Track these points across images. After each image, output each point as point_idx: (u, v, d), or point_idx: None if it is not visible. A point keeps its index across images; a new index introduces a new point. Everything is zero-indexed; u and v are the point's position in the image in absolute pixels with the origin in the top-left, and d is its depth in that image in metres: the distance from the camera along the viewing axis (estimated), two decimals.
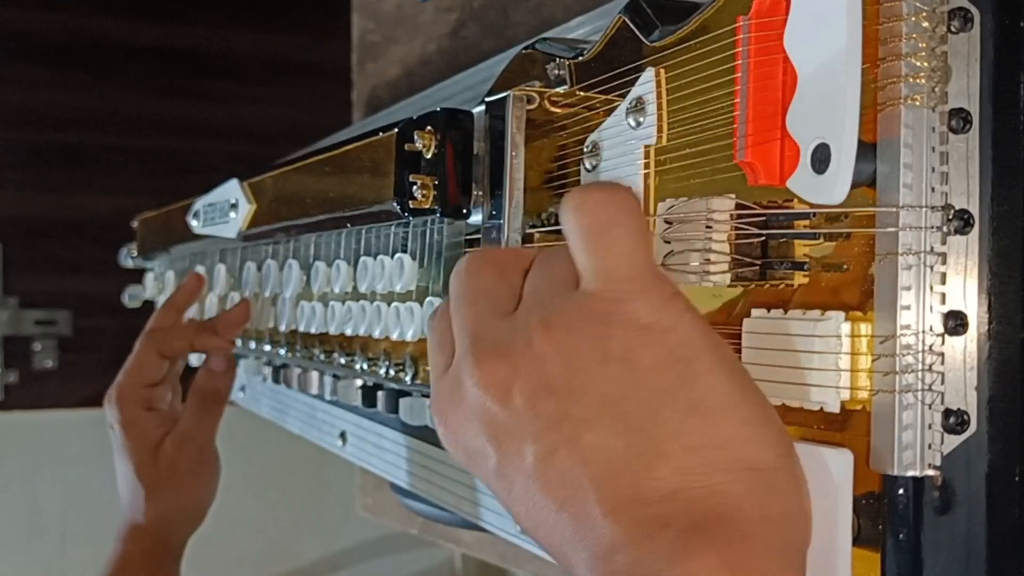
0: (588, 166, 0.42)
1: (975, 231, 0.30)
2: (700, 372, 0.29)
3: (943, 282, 0.30)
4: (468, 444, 0.32)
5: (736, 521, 0.27)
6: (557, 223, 0.44)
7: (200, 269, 0.82)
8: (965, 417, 0.30)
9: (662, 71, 0.38)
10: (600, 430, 0.29)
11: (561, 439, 0.29)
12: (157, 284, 0.93)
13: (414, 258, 0.52)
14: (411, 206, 0.47)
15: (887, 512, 0.31)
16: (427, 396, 0.55)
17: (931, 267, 0.30)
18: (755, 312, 0.34)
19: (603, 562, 0.28)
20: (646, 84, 0.39)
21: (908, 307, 0.30)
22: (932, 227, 0.30)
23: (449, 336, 0.34)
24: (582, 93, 0.43)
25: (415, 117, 0.48)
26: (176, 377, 0.76)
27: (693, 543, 0.27)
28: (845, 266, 0.32)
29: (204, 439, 0.73)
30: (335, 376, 0.66)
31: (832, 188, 0.29)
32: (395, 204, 0.48)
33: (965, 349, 0.30)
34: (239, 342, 0.78)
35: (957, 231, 0.30)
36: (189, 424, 0.72)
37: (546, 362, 0.30)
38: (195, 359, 0.82)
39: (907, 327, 0.30)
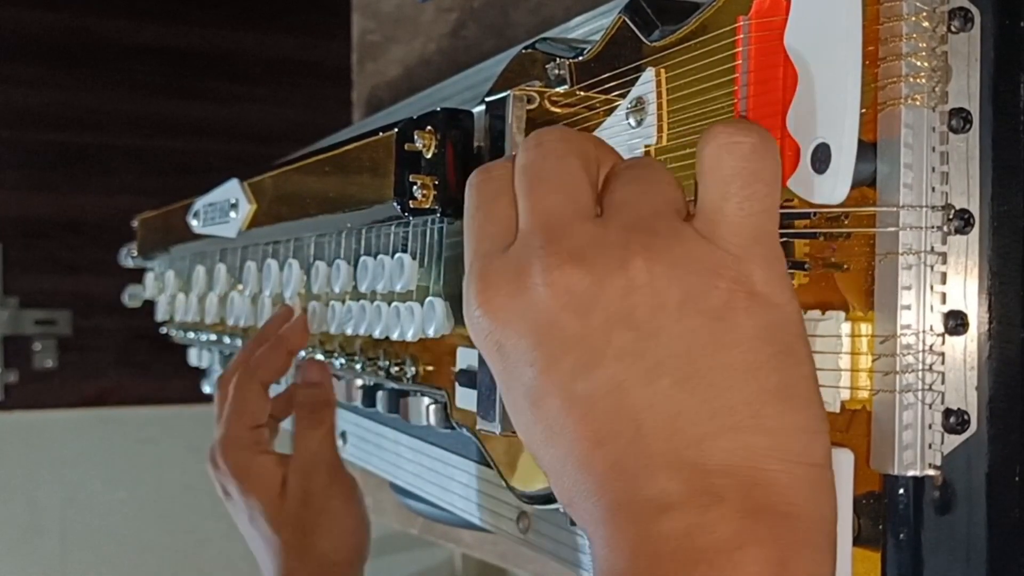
0: None
1: (975, 231, 0.30)
2: (797, 359, 0.28)
3: (943, 282, 0.30)
4: (509, 340, 0.29)
5: (790, 516, 0.27)
6: None
7: (200, 269, 0.82)
8: (965, 417, 0.30)
9: (662, 71, 0.38)
10: (675, 381, 0.27)
11: (630, 375, 0.27)
12: (157, 284, 0.93)
13: (414, 258, 0.52)
14: (411, 206, 0.47)
15: (887, 512, 0.31)
16: (427, 396, 0.55)
17: (931, 267, 0.30)
18: None
19: (641, 518, 0.27)
20: (646, 84, 0.39)
21: (908, 307, 0.30)
22: (932, 227, 0.30)
23: (510, 209, 0.30)
24: (582, 93, 0.43)
25: (415, 117, 0.48)
26: (273, 424, 0.65)
27: (752, 532, 0.26)
28: (845, 266, 0.32)
29: (328, 456, 0.61)
30: (336, 376, 0.66)
31: (832, 188, 0.29)
32: (395, 204, 0.48)
33: (965, 349, 0.30)
34: (239, 342, 0.78)
35: (957, 231, 0.30)
36: (302, 444, 0.61)
37: (636, 293, 0.27)
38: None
39: (907, 327, 0.30)
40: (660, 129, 0.38)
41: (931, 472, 0.30)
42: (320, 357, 0.66)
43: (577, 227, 0.28)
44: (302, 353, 0.65)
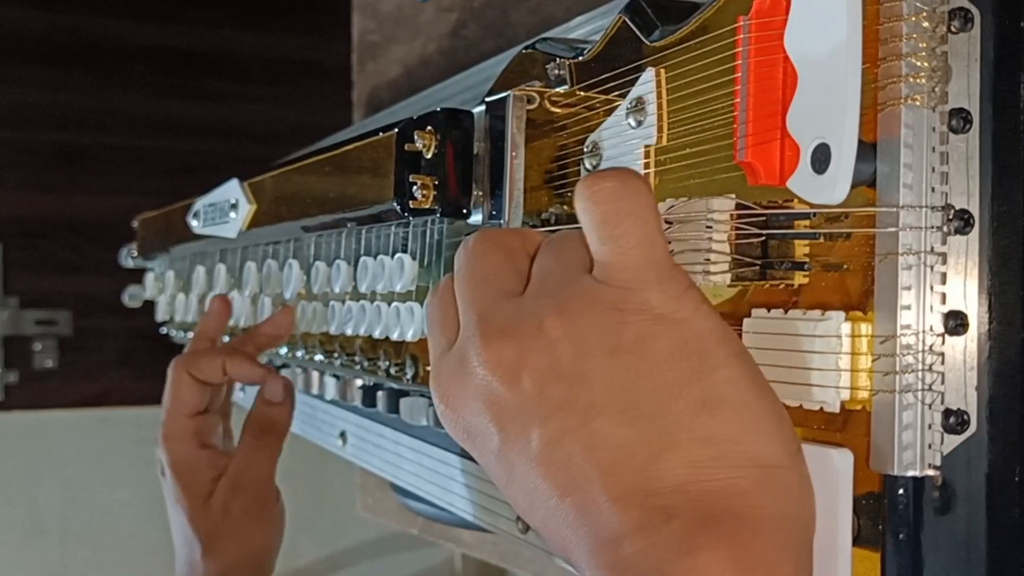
0: (588, 166, 0.42)
1: (975, 231, 0.30)
2: (714, 365, 0.29)
3: (943, 282, 0.30)
4: (470, 424, 0.31)
5: (745, 518, 0.27)
6: (557, 223, 0.44)
7: (200, 269, 0.82)
8: (965, 417, 0.30)
9: (662, 71, 0.38)
10: (609, 418, 0.29)
11: (568, 424, 0.29)
12: (157, 284, 0.93)
13: (414, 258, 0.52)
14: (411, 206, 0.47)
15: (887, 512, 0.31)
16: (427, 396, 0.55)
17: (931, 267, 0.30)
18: (755, 312, 0.34)
19: (607, 550, 0.28)
20: (646, 84, 0.39)
21: (908, 307, 0.30)
22: (932, 227, 0.30)
23: (453, 314, 0.33)
24: (582, 93, 0.43)
25: (415, 117, 0.48)
26: (224, 410, 0.68)
27: (701, 537, 0.27)
28: (845, 266, 0.32)
29: (260, 478, 0.63)
30: (335, 376, 0.66)
31: (832, 188, 0.29)
32: (395, 204, 0.48)
33: (965, 349, 0.30)
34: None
35: (957, 231, 0.30)
36: (241, 462, 0.63)
37: (556, 347, 0.30)
38: (240, 396, 0.75)
39: (907, 327, 0.30)
40: (660, 129, 0.38)
41: (931, 472, 0.30)
42: (320, 358, 0.66)
43: (500, 308, 0.31)
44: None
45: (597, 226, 0.30)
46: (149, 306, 0.96)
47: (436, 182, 0.47)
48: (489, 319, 0.31)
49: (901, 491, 0.30)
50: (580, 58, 0.43)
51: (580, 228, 0.32)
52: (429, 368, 0.34)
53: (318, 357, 0.66)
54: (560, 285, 0.31)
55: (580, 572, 0.29)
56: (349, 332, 0.59)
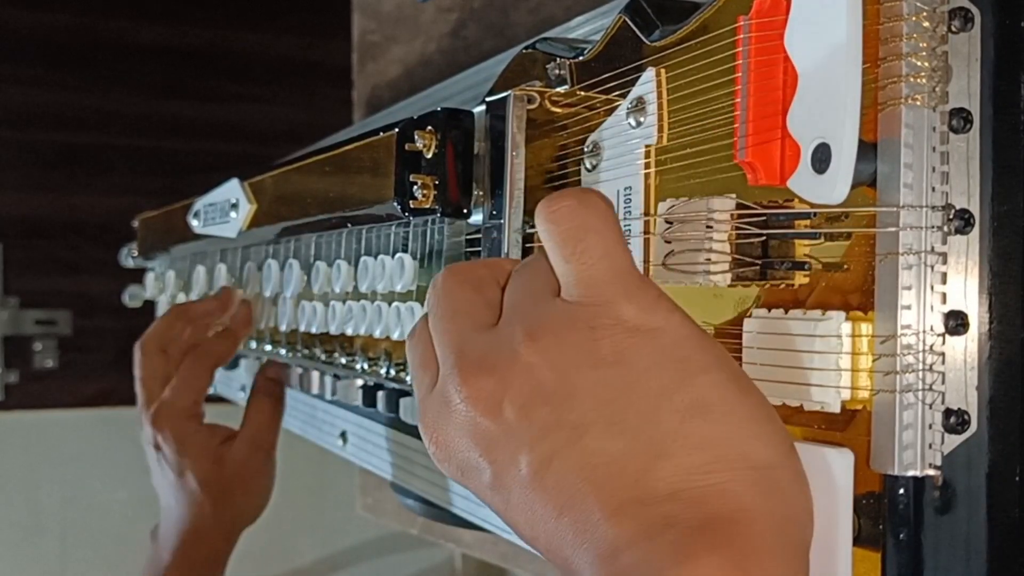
0: (588, 166, 0.42)
1: (976, 231, 0.30)
2: (697, 370, 0.29)
3: (944, 282, 0.30)
4: (460, 460, 0.32)
5: (740, 522, 0.27)
6: None
7: (200, 269, 0.82)
8: (965, 417, 0.30)
9: (662, 71, 0.38)
10: (597, 433, 0.29)
11: (556, 445, 0.29)
12: (157, 284, 0.93)
13: (415, 258, 0.52)
14: (412, 206, 0.47)
15: (887, 512, 0.31)
16: None
17: (932, 267, 0.30)
18: (755, 312, 0.34)
19: (607, 564, 0.28)
20: (646, 84, 0.39)
21: (909, 307, 0.30)
22: (933, 227, 0.30)
23: (431, 354, 0.34)
24: (583, 93, 0.43)
25: (415, 117, 0.48)
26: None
27: (698, 543, 0.27)
28: (846, 266, 0.32)
29: (274, 437, 0.73)
30: (336, 376, 0.66)
31: (832, 188, 0.29)
32: (395, 204, 0.48)
33: (966, 349, 0.30)
34: None
35: (958, 231, 0.30)
36: (259, 423, 0.72)
37: (535, 371, 0.30)
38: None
39: (908, 327, 0.30)
40: (660, 129, 0.38)
41: (931, 472, 0.30)
42: (320, 358, 0.66)
43: (477, 340, 0.32)
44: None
45: (559, 245, 0.31)
46: (149, 306, 0.96)
47: (436, 182, 0.47)
48: (465, 354, 0.31)
49: (901, 491, 0.30)
50: (580, 58, 0.43)
51: (543, 256, 0.32)
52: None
53: (318, 357, 0.66)
54: (530, 310, 0.31)
55: None
56: (349, 332, 0.59)
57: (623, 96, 0.40)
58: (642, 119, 0.39)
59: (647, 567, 0.27)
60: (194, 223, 0.77)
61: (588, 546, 0.28)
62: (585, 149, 0.42)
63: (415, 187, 0.47)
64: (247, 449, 0.71)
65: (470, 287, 0.34)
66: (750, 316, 0.34)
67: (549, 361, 0.30)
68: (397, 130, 0.48)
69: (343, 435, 0.71)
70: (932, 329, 0.30)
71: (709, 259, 0.35)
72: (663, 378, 0.29)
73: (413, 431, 0.60)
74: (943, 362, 0.30)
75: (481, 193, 0.47)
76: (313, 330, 0.64)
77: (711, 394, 0.29)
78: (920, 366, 0.30)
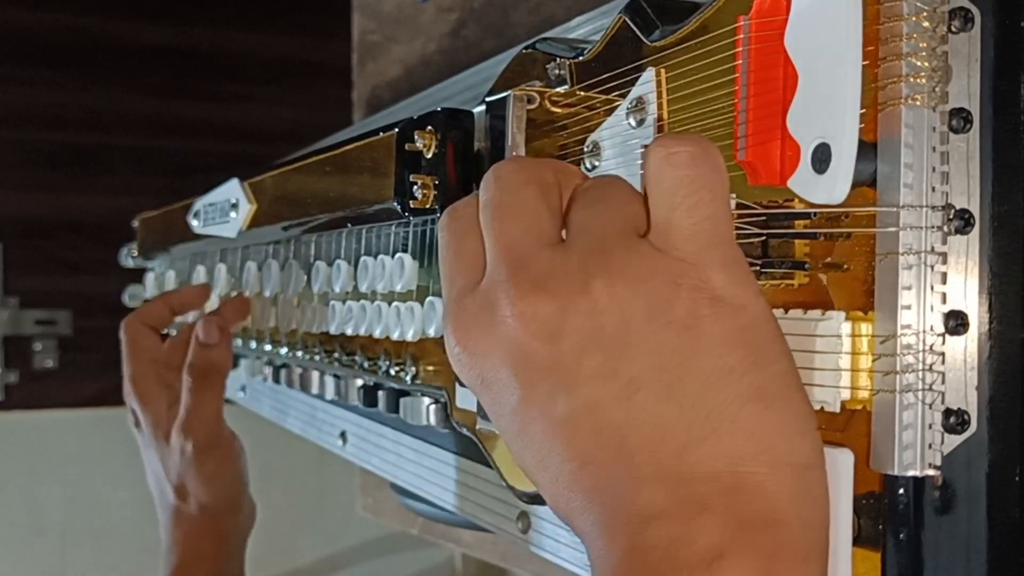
0: (589, 166, 0.42)
1: (975, 231, 0.30)
2: (770, 359, 0.28)
3: (944, 282, 0.30)
4: (488, 373, 0.30)
5: (779, 526, 0.27)
6: None
7: (201, 269, 0.82)
8: (965, 417, 0.30)
9: (662, 71, 0.38)
10: (650, 393, 0.27)
11: (605, 395, 0.28)
12: (158, 284, 0.93)
13: (415, 258, 0.52)
14: (411, 206, 0.47)
15: (887, 512, 0.31)
16: (428, 396, 0.55)
17: (932, 267, 0.30)
18: None
19: (630, 527, 0.27)
20: (646, 84, 0.39)
21: (909, 307, 0.30)
22: (933, 227, 0.30)
23: (477, 248, 0.31)
24: (583, 93, 0.43)
25: (415, 117, 0.48)
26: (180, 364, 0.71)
27: (733, 542, 0.26)
28: (846, 266, 0.32)
29: (207, 419, 0.67)
30: (335, 376, 0.66)
31: (832, 188, 0.29)
32: (395, 204, 0.48)
33: (966, 349, 0.30)
34: (239, 342, 0.78)
35: (958, 231, 0.30)
36: (186, 405, 0.66)
37: (601, 314, 0.28)
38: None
39: (908, 327, 0.30)
40: (660, 129, 0.38)
41: (931, 472, 0.30)
42: (320, 358, 0.66)
43: (538, 256, 0.29)
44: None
45: (668, 190, 0.28)
46: None
47: (436, 182, 0.47)
48: (526, 266, 0.29)
49: (901, 491, 0.30)
50: (580, 58, 0.43)
51: (625, 182, 0.30)
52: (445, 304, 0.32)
53: (318, 357, 0.66)
54: (610, 245, 0.29)
55: (582, 536, 0.29)
56: (349, 332, 0.59)
57: (623, 96, 0.40)
58: (642, 119, 0.39)
59: (680, 549, 0.26)
60: (194, 223, 0.77)
61: (607, 501, 0.27)
62: (585, 149, 0.42)
63: (415, 187, 0.47)
64: (180, 436, 0.67)
65: (537, 188, 0.31)
66: None
67: (619, 306, 0.28)
68: (397, 130, 0.48)
69: (343, 435, 0.71)
70: (932, 329, 0.30)
71: None
72: (733, 356, 0.27)
73: (413, 431, 0.61)
74: (943, 362, 0.30)
75: None
76: (313, 330, 0.64)
77: (775, 385, 0.28)
78: (920, 366, 0.30)
